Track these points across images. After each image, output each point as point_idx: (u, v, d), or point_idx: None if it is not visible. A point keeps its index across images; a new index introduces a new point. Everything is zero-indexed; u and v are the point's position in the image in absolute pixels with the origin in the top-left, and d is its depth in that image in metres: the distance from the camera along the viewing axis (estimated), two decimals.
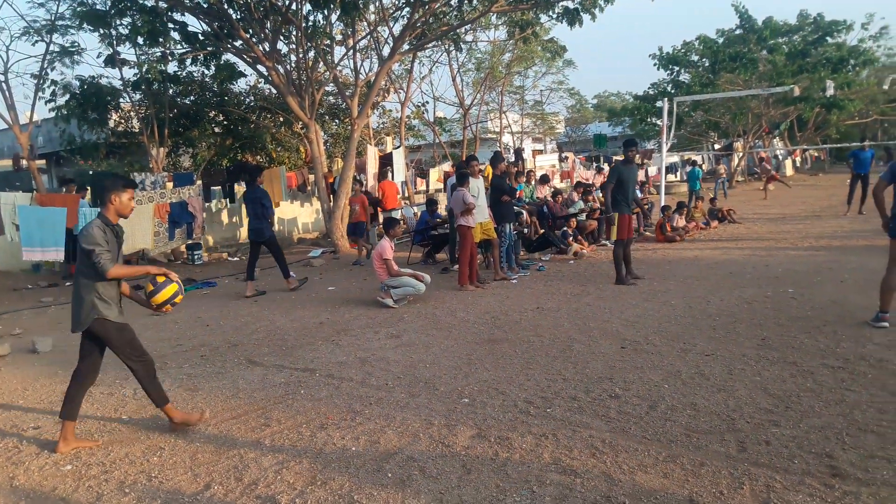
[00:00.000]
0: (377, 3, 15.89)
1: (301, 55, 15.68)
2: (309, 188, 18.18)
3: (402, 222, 11.06)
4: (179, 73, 17.45)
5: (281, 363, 6.02)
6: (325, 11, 14.95)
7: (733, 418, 4.16)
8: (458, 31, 16.81)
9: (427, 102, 41.49)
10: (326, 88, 18.79)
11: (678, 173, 34.66)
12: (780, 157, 38.46)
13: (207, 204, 14.43)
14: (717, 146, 39.80)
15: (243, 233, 16.23)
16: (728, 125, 34.02)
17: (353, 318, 7.80)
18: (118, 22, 14.92)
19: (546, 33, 24.03)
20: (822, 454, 3.60)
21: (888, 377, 4.71)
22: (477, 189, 9.43)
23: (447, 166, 22.40)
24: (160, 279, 4.34)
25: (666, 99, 19.24)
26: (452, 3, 15.54)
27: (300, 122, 16.38)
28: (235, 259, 14.45)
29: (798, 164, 42.65)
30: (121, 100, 17.13)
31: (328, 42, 16.54)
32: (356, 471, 3.69)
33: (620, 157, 9.43)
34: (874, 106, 36.74)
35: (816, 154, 46.51)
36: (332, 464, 3.80)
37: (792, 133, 38.73)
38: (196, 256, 13.64)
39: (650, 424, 4.14)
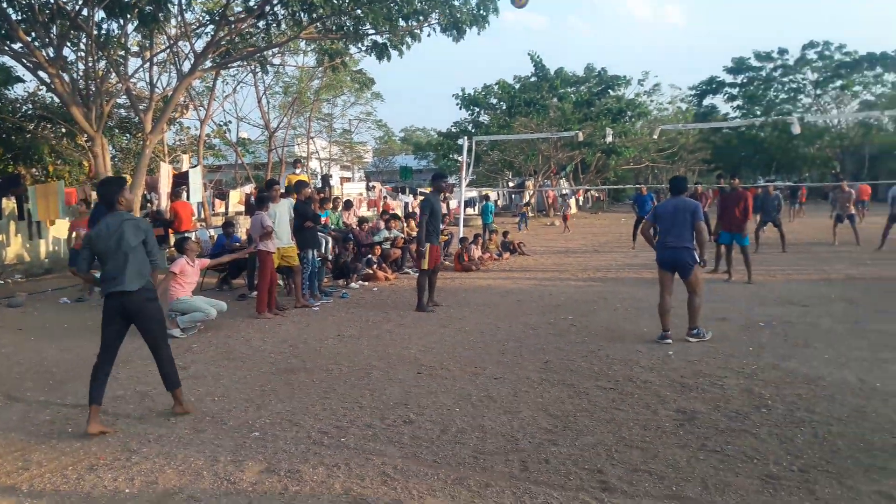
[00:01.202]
0: (178, 18, 15.10)
1: (91, 64, 14.40)
2: (92, 205, 16.60)
3: (196, 242, 10.53)
4: None
5: (46, 399, 5.38)
6: (121, 21, 13.91)
7: (517, 438, 4.38)
8: (264, 53, 16.45)
9: (230, 122, 39.89)
10: (118, 100, 17.43)
11: (475, 207, 36.60)
12: (566, 197, 42.12)
13: None
14: (511, 184, 42.66)
15: (10, 254, 14.36)
16: (521, 165, 36.59)
17: (134, 349, 7.09)
18: None
19: (355, 64, 24.40)
20: (594, 470, 3.88)
21: (651, 397, 5.24)
22: (277, 214, 9.20)
23: (249, 188, 21.72)
24: None
25: (466, 137, 20.28)
26: (260, 25, 15.19)
27: (85, 135, 14.99)
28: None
29: (581, 203, 46.87)
30: None
31: (122, 53, 15.41)
32: None
33: (429, 189, 9.68)
34: (646, 153, 41.54)
35: (597, 194, 51.48)
36: None
37: (577, 174, 42.56)
38: None
39: (441, 448, 4.23)
